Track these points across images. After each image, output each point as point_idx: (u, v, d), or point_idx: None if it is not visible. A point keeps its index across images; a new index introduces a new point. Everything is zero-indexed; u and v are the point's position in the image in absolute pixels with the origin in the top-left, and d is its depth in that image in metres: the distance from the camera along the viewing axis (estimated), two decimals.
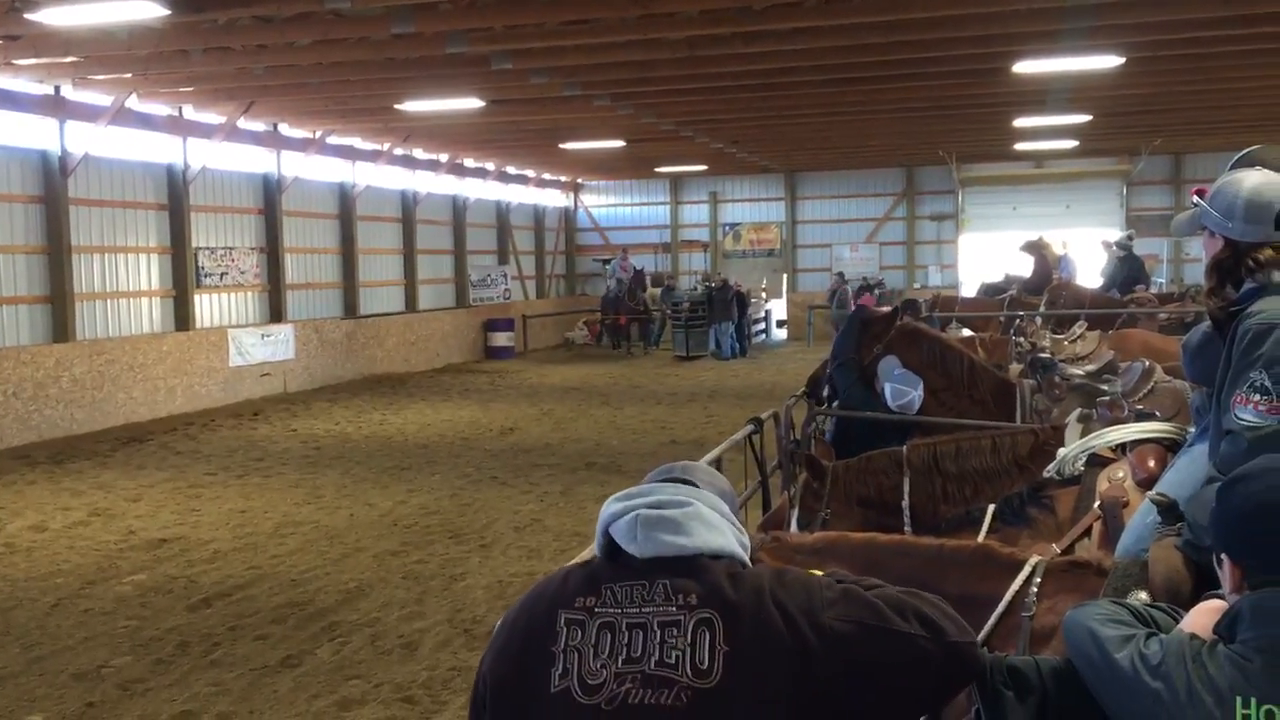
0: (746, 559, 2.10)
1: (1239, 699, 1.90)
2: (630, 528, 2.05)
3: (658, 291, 29.35)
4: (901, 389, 6.32)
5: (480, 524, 9.94)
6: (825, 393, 7.00)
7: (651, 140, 22.40)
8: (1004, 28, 12.66)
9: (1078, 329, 9.17)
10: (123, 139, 17.03)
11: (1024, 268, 18.48)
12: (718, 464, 6.21)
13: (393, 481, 11.93)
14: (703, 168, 28.76)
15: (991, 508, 4.09)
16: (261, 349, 19.26)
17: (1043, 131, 22.34)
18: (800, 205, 31.30)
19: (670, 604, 1.97)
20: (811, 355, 24.18)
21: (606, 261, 29.97)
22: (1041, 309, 13.09)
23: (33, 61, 13.45)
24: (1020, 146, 25.04)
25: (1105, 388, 5.60)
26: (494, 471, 12.38)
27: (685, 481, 2.22)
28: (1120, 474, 3.67)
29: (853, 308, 30.16)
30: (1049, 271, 17.23)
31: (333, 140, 21.17)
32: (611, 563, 2.06)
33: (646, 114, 18.65)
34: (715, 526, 2.09)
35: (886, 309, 7.16)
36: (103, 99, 15.89)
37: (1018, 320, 11.39)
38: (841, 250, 30.80)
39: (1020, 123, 20.76)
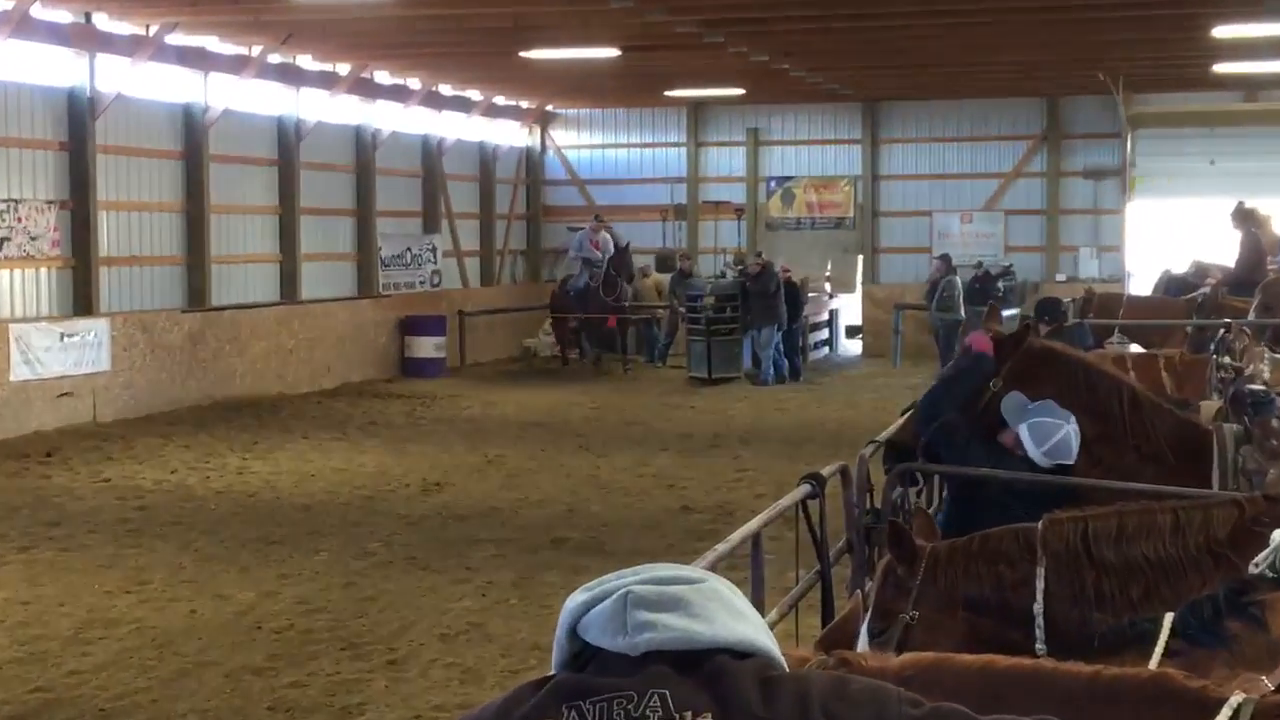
0: (782, 660, 2.13)
1: None
2: (616, 611, 2.07)
3: (664, 279, 29.34)
4: (1046, 424, 6.34)
5: (389, 629, 9.92)
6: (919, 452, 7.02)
7: (661, 48, 22.45)
8: None
9: None
10: None
11: (1226, 253, 18.51)
12: (754, 543, 6.21)
13: (257, 562, 11.89)
14: (738, 92, 28.84)
15: (1170, 617, 4.09)
16: (60, 356, 19.25)
17: (1258, 46, 22.41)
18: (886, 152, 31.38)
19: None
20: (898, 380, 24.19)
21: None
22: (1252, 314, 13.10)
23: None
24: (1222, 68, 25.10)
25: None
26: (411, 550, 12.36)
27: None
28: None
29: (962, 311, 29.90)
30: (1263, 258, 17.25)
31: (176, 40, 21.23)
32: (580, 673, 2.08)
33: (653, 8, 18.71)
34: (740, 612, 2.11)
35: (1008, 328, 7.20)
36: None
37: (1220, 333, 11.40)
38: (947, 222, 30.88)
39: (1222, 31, 20.82)
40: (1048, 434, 6.34)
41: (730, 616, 2.09)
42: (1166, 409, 6.73)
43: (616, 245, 28.04)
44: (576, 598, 2.14)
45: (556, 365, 28.31)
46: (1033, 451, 6.33)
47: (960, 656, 3.14)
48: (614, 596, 2.09)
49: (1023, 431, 6.38)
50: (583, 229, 29.18)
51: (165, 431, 19.01)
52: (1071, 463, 6.28)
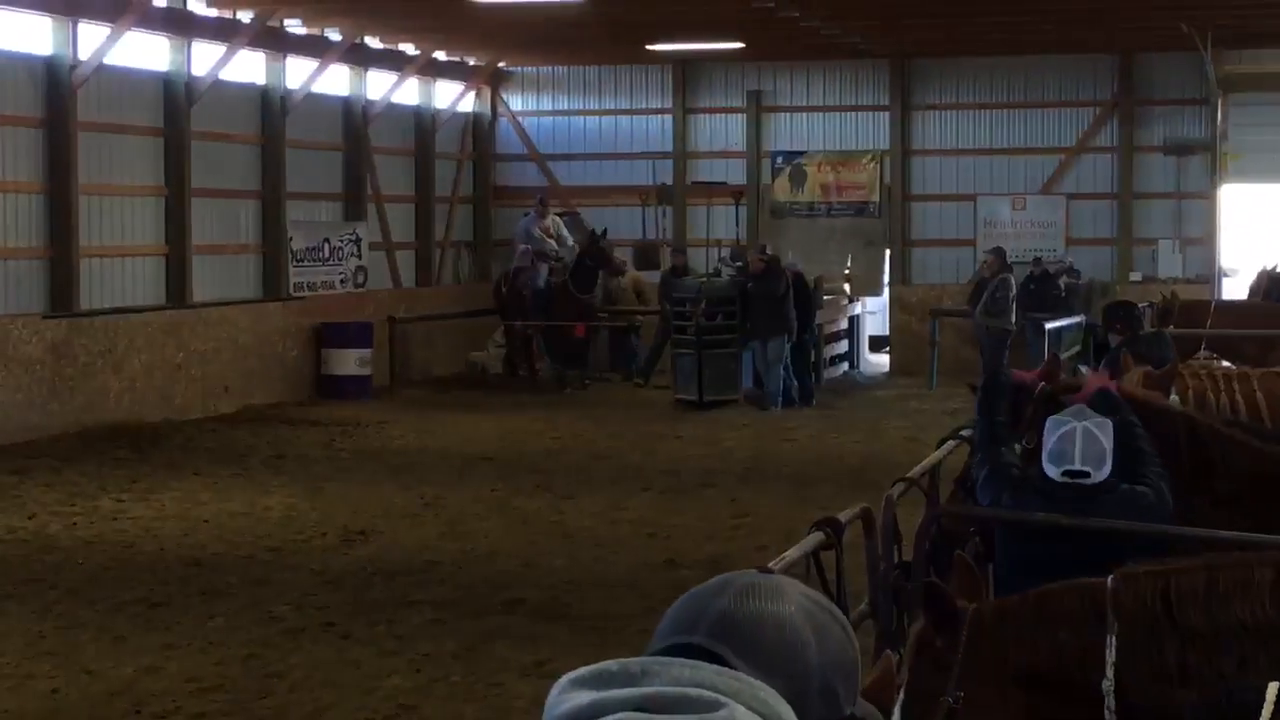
0: None
1: None
2: None
3: (643, 277, 29.28)
4: (1048, 423, 6.38)
5: (301, 712, 9.90)
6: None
7: None
8: None
9: None
10: None
11: None
12: None
13: (135, 629, 11.85)
14: (735, 46, 28.87)
15: (1275, 688, 4.13)
16: None
17: None
18: (919, 122, 31.39)
19: None
20: (934, 404, 24.19)
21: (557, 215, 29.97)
22: None
23: None
24: None
25: None
26: (329, 614, 12.33)
27: (727, 637, 2.18)
28: None
29: (1013, 318, 29.85)
30: None
31: None
32: None
33: None
34: None
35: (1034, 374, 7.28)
36: None
37: None
38: (995, 208, 30.91)
39: None
40: (1048, 435, 6.33)
41: None
42: (1243, 441, 6.79)
43: (593, 232, 28.19)
44: (566, 696, 2.13)
45: (512, 383, 28.26)
46: (1045, 465, 6.33)
47: None
48: None
49: (1045, 455, 6.38)
50: (527, 214, 29.19)
51: (21, 466, 18.88)
52: (1087, 469, 6.26)
